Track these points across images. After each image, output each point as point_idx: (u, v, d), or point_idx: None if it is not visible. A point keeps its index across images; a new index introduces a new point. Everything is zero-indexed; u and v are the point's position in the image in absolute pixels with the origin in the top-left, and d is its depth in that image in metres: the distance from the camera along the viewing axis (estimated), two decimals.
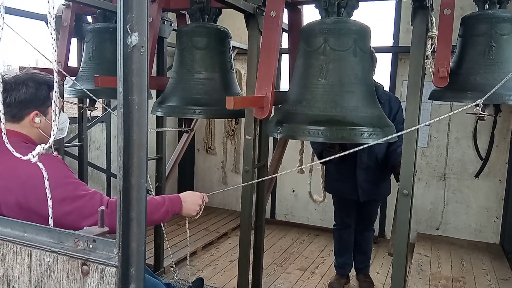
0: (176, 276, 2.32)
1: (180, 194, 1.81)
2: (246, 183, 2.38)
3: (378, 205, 3.50)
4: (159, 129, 3.39)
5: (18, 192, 1.43)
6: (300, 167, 2.84)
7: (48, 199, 1.08)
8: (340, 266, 3.61)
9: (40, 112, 1.58)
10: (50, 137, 0.98)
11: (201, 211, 1.85)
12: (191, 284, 2.89)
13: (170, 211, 1.71)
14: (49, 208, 1.09)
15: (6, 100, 1.52)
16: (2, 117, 1.01)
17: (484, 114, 1.82)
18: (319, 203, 3.09)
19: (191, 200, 1.82)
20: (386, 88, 4.00)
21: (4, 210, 1.44)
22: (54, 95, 0.97)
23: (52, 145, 1.15)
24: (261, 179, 2.46)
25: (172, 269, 2.29)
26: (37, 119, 1.57)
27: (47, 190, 1.06)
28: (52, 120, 1.00)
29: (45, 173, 1.03)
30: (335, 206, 3.56)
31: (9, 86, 1.54)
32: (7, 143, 1.00)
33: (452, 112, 1.49)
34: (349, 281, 3.68)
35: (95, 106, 3.27)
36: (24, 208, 1.43)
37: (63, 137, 2.95)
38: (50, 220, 1.10)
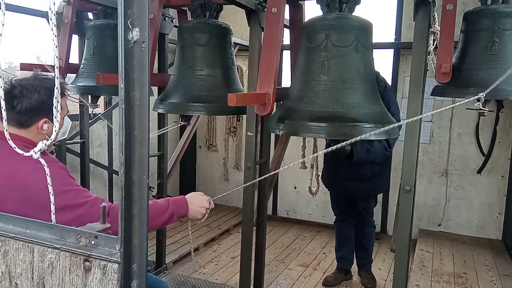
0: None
1: (185, 196, 1.72)
2: (249, 182, 2.37)
3: (373, 199, 3.51)
4: (159, 131, 3.37)
5: (15, 201, 1.39)
6: (302, 160, 2.82)
7: (51, 195, 1.07)
8: (339, 260, 3.68)
9: (49, 119, 1.51)
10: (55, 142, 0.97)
11: (207, 214, 1.75)
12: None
13: (175, 214, 1.62)
14: (51, 204, 1.08)
15: (16, 107, 1.46)
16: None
17: (485, 110, 1.81)
18: (314, 194, 3.13)
19: (198, 203, 1.72)
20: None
21: None
22: (56, 91, 0.96)
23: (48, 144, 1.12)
24: (263, 177, 2.45)
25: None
26: (45, 126, 1.52)
27: (49, 186, 1.06)
28: (54, 117, 0.99)
29: (47, 169, 1.03)
30: (331, 200, 3.64)
31: (19, 92, 1.47)
32: (9, 139, 1.00)
33: (452, 105, 1.47)
34: (350, 277, 3.69)
35: (97, 103, 3.27)
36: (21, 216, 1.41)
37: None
38: (53, 217, 1.10)
